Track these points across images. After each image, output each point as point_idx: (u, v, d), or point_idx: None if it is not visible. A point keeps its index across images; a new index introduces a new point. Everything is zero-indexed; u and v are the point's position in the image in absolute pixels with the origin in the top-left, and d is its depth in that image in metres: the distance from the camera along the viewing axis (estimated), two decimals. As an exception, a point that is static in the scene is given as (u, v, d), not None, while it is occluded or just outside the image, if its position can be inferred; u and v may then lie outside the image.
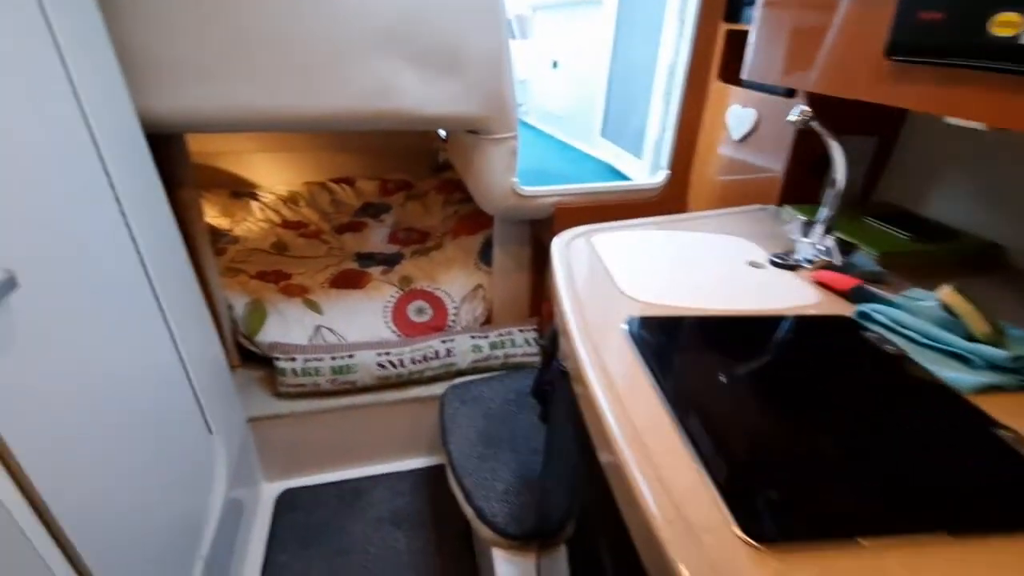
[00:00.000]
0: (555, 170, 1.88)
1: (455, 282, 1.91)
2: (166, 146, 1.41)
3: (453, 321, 1.85)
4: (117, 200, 1.00)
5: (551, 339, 1.11)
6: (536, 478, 1.33)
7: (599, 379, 0.60)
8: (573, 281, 0.82)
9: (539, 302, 1.91)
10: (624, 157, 1.83)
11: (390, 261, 2.10)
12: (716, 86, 1.46)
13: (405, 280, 1.93)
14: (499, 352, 1.80)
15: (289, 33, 1.16)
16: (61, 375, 0.77)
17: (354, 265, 2.08)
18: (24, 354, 0.69)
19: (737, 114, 1.35)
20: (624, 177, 1.79)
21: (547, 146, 2.27)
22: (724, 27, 1.40)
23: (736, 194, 1.38)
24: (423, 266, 2.03)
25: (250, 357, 1.78)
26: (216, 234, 2.36)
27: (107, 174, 0.98)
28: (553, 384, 1.10)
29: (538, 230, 1.77)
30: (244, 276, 1.95)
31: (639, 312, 0.72)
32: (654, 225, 1.06)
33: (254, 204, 2.65)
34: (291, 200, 2.72)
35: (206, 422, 1.30)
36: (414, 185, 2.87)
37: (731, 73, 1.40)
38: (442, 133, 2.19)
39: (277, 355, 1.64)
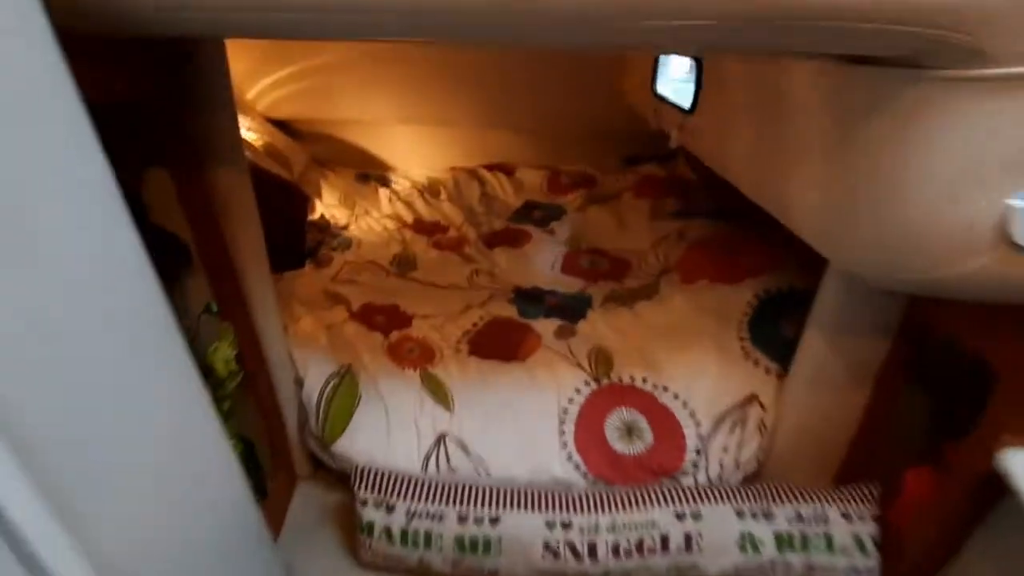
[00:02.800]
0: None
1: (700, 380, 0.99)
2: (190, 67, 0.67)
3: (694, 463, 0.94)
4: None
5: None
6: None
7: None
8: None
9: (878, 455, 0.92)
10: None
11: (569, 311, 1.23)
12: None
13: (601, 359, 1.05)
14: (795, 558, 0.85)
15: None
16: None
17: (510, 310, 1.24)
18: None
19: None
20: None
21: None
22: None
23: None
24: (629, 329, 1.14)
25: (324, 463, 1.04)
26: (327, 232, 1.69)
27: None
28: None
29: (938, 315, 0.77)
30: (342, 311, 1.21)
31: None
32: None
33: (383, 192, 1.96)
34: (430, 190, 1.99)
35: None
36: (597, 181, 1.98)
37: None
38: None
39: (364, 495, 0.86)
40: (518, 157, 2.19)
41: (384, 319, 1.19)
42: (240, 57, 2.04)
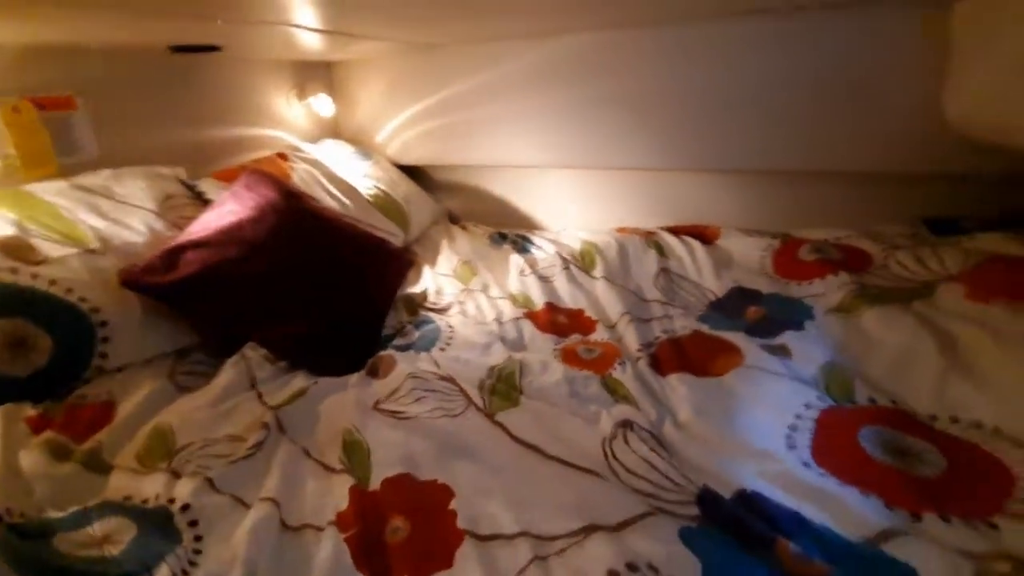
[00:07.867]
0: None
1: None
2: None
3: None
4: None
5: None
6: None
7: None
8: None
9: None
10: None
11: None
12: None
13: None
14: None
15: None
16: None
17: (686, 569, 0.50)
18: None
19: None
20: None
21: None
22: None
23: None
24: None
25: None
26: (418, 314, 1.16)
27: None
28: None
29: None
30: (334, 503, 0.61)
31: None
32: None
33: (514, 260, 1.38)
34: (581, 260, 1.35)
35: None
36: (872, 260, 1.12)
37: None
38: None
39: None
40: (724, 215, 1.43)
41: (402, 535, 0.56)
42: (365, 96, 1.73)
